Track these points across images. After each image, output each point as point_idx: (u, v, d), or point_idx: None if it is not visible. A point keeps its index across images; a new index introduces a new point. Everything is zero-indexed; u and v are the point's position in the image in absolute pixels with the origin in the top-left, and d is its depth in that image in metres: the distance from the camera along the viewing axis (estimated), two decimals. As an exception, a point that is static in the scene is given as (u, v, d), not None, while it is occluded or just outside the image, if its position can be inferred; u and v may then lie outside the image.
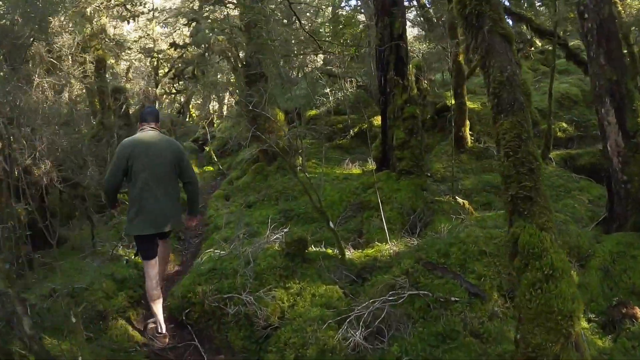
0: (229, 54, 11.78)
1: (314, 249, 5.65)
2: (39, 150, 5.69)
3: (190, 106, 25.29)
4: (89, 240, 7.41)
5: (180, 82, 23.61)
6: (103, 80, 11.66)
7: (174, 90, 26.92)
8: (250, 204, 8.94)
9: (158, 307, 4.79)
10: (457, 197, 7.07)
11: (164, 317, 4.87)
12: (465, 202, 7.01)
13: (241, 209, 8.75)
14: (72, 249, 7.40)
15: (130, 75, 16.99)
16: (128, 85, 15.70)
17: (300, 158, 9.68)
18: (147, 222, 4.66)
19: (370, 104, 13.32)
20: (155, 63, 17.12)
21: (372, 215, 6.93)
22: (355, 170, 10.42)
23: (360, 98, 13.84)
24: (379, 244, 5.86)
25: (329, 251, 5.59)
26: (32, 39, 6.36)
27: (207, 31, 12.29)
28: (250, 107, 8.45)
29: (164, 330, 4.79)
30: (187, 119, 23.41)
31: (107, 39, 11.91)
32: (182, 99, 23.81)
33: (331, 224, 5.23)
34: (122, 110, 12.24)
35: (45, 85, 6.50)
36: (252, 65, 10.32)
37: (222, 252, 5.77)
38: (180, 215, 5.04)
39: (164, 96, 28.98)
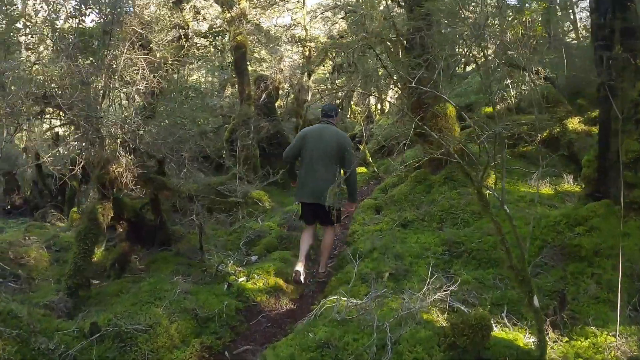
0: (387, 37, 9.72)
1: (495, 331, 3.37)
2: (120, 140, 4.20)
3: (352, 102, 23.79)
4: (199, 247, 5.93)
5: (339, 78, 22.17)
6: (242, 67, 10.30)
7: (335, 88, 25.62)
8: (405, 222, 6.82)
9: (302, 247, 5.50)
10: None
11: None
12: None
13: (393, 228, 6.68)
14: (177, 254, 5.96)
15: (282, 66, 15.69)
16: (279, 76, 14.44)
17: (493, 173, 7.39)
18: (304, 193, 5.56)
19: (560, 101, 10.42)
20: (308, 53, 15.55)
21: (582, 272, 4.41)
22: (546, 189, 7.83)
23: (548, 94, 10.91)
24: (597, 332, 3.43)
25: (520, 341, 3.27)
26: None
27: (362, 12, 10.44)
28: (414, 98, 6.44)
29: (297, 268, 5.21)
30: (347, 116, 21.91)
31: (247, 23, 10.52)
32: (341, 94, 22.47)
33: (535, 301, 2.91)
34: (263, 99, 10.82)
35: (143, 63, 5.00)
36: (415, 48, 8.19)
37: (349, 305, 3.73)
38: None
39: (325, 92, 27.94)
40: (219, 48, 11.44)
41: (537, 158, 9.64)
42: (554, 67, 10.40)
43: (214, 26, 11.37)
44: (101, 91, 4.64)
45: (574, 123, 9.65)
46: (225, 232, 7.10)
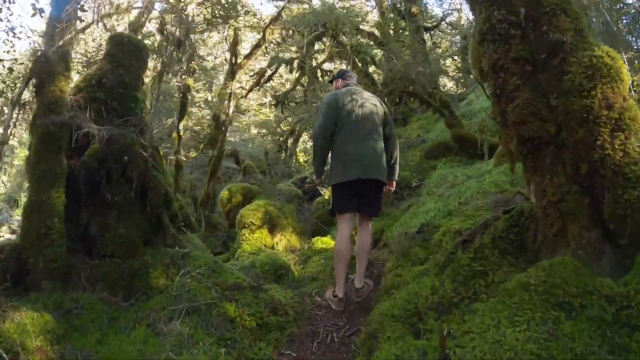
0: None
1: None
2: None
3: (297, 147, 17.61)
4: None
5: (283, 113, 15.89)
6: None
7: (278, 130, 19.19)
8: None
9: (340, 268, 3.97)
10: None
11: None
12: None
13: None
14: None
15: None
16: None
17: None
18: (355, 169, 3.93)
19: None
20: (233, 38, 9.03)
21: None
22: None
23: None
24: None
25: None
26: None
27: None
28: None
29: (340, 294, 3.98)
30: (292, 159, 15.78)
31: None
32: (284, 134, 16.50)
33: None
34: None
35: None
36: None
37: None
38: (386, 170, 4.15)
39: (268, 136, 21.42)
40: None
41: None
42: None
43: None
44: None
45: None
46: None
